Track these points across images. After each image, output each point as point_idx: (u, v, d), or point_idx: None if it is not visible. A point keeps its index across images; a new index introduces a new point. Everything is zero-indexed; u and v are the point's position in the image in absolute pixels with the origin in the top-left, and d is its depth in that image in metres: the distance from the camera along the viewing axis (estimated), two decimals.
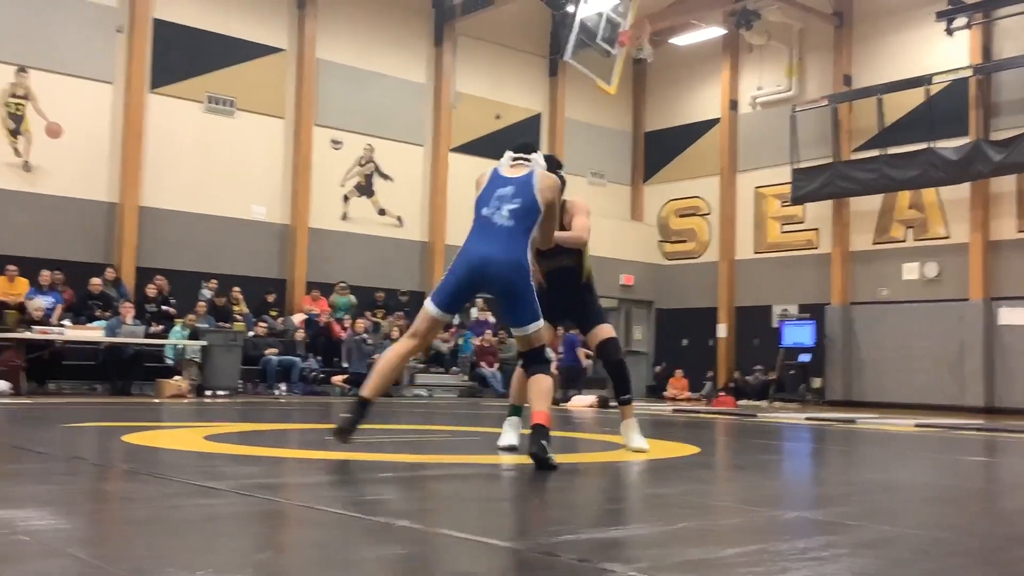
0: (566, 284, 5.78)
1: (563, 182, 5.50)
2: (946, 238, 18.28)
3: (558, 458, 4.74)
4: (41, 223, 15.13)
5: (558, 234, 5.50)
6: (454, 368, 17.61)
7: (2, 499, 3.61)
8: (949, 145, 17.46)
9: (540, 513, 3.70)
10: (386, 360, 5.08)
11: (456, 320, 18.48)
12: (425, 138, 19.60)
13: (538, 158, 5.21)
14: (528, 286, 4.93)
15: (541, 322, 4.99)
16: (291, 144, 17.83)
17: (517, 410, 5.85)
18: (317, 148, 18.04)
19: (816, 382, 19.45)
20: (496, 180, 5.12)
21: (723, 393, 18.92)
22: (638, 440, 5.86)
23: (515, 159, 5.22)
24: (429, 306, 5.05)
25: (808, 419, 12.59)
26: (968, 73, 17.56)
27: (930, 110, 17.68)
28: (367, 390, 4.96)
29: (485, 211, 5.02)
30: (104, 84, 15.89)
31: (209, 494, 3.72)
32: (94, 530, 3.06)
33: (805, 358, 19.35)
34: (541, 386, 4.92)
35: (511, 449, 5.64)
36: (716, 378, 20.63)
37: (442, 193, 19.39)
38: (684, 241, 22.49)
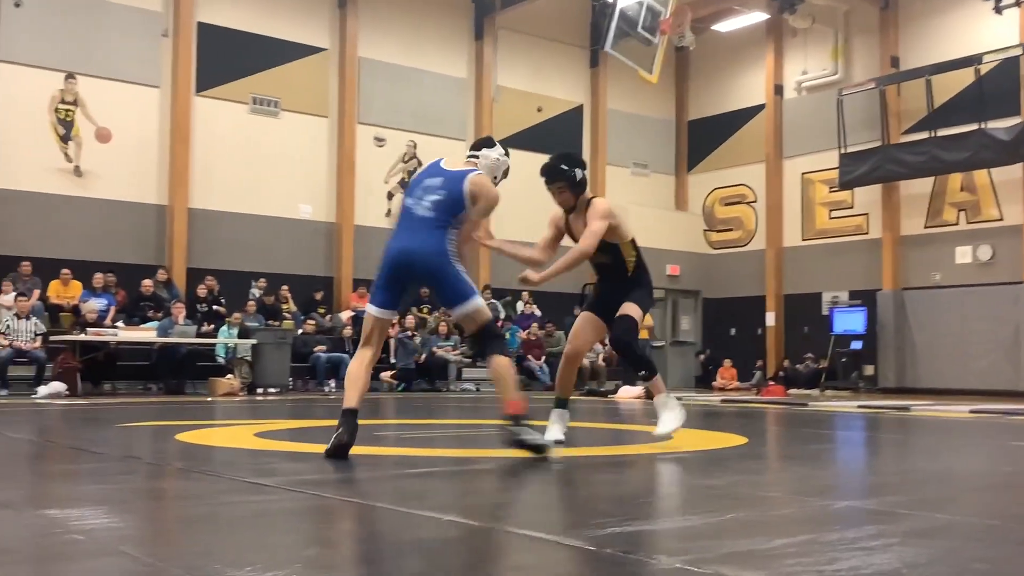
0: (610, 279, 5.71)
1: (580, 181, 5.46)
2: (999, 220, 17.91)
3: (605, 450, 4.73)
4: (93, 227, 15.41)
5: (561, 262, 5.45)
6: None
7: (58, 499, 3.69)
8: (1000, 125, 17.10)
9: (587, 506, 3.70)
10: (352, 373, 5.04)
11: (502, 314, 18.53)
12: (467, 133, 19.62)
13: (490, 154, 5.23)
14: (452, 267, 4.91)
15: (478, 298, 4.98)
16: (335, 143, 17.97)
17: (563, 402, 5.84)
18: (361, 146, 18.16)
19: (868, 369, 19.17)
20: (429, 169, 5.16)
21: (773, 382, 18.72)
22: (663, 424, 5.53)
23: (468, 156, 5.29)
24: (369, 308, 5.09)
25: (860, 407, 12.42)
26: (1018, 51, 17.15)
27: (980, 90, 17.32)
28: (349, 401, 4.89)
29: (408, 201, 5.04)
30: (151, 88, 16.13)
31: (260, 491, 3.77)
32: (147, 528, 3.11)
33: (857, 345, 19.09)
34: (502, 372, 4.86)
35: (558, 444, 5.63)
36: (765, 367, 20.43)
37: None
38: (730, 230, 22.29)
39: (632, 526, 3.10)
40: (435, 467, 4.77)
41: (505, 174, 5.37)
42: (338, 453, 4.73)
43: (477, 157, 5.25)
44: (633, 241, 5.69)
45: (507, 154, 5.35)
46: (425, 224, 4.94)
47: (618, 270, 5.65)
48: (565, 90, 21.13)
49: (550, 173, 5.57)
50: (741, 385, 19.76)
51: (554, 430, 5.72)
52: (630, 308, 5.56)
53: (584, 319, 5.82)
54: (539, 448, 4.75)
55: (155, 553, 2.63)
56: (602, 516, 3.41)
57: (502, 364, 4.89)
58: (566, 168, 5.52)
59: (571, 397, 5.94)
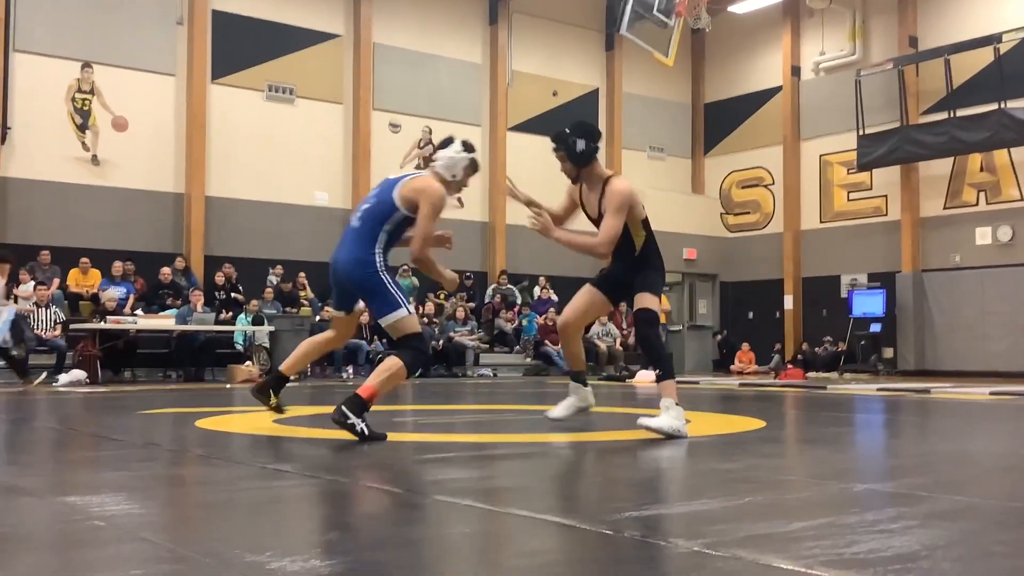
0: (619, 257, 5.59)
1: (580, 152, 5.38)
2: (1019, 200, 17.75)
3: (623, 435, 4.72)
4: (111, 215, 15.50)
5: (575, 238, 5.47)
6: (518, 348, 17.66)
7: (79, 486, 3.72)
8: (1020, 105, 16.92)
9: (604, 490, 3.70)
10: (309, 343, 5.57)
11: (519, 300, 18.53)
12: (482, 118, 19.59)
13: (445, 153, 5.24)
14: (377, 280, 4.98)
15: (403, 311, 5.00)
16: (350, 129, 17.98)
17: (576, 375, 5.92)
18: (376, 132, 18.16)
19: (887, 352, 19.08)
20: (381, 183, 5.31)
21: (791, 366, 18.66)
22: (659, 420, 5.16)
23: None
24: (331, 304, 5.47)
25: (879, 390, 12.37)
26: None
27: (1000, 69, 17.14)
28: (286, 367, 5.54)
29: (352, 216, 5.25)
30: (167, 76, 16.17)
31: (279, 477, 3.79)
32: (167, 514, 3.14)
33: (876, 328, 18.99)
34: (384, 365, 4.95)
35: (554, 420, 5.81)
36: (784, 351, 20.36)
37: (501, 173, 19.38)
38: (747, 213, 22.19)
39: (649, 510, 3.10)
40: (453, 452, 4.78)
41: (473, 169, 5.33)
42: (254, 392, 5.66)
43: (435, 160, 5.29)
44: (645, 220, 5.59)
45: (469, 149, 5.29)
46: (351, 235, 5.10)
47: (626, 248, 5.54)
48: (580, 74, 21.05)
49: (554, 137, 5.55)
50: (759, 369, 19.71)
51: (559, 408, 5.87)
52: (646, 299, 5.43)
53: (584, 292, 5.80)
54: (363, 435, 4.81)
55: (175, 539, 2.65)
56: (619, 500, 3.41)
57: (392, 361, 4.95)
58: (568, 134, 5.46)
59: (585, 370, 5.97)
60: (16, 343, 11.78)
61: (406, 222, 5.10)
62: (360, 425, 4.82)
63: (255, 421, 6.30)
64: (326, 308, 15.12)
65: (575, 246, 5.50)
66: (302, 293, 16.26)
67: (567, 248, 5.49)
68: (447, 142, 5.33)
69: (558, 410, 5.91)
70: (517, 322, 17.87)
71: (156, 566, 2.27)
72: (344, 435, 4.89)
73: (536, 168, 19.96)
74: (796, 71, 21.04)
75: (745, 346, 20.26)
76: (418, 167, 18.68)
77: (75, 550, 2.47)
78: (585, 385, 5.94)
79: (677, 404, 5.23)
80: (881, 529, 2.68)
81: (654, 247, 5.64)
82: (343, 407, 4.83)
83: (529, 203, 5.48)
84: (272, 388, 5.62)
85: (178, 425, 6.48)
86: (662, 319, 6.12)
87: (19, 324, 12.01)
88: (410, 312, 5.03)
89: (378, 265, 5.02)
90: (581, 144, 5.40)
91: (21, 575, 2.21)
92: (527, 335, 17.81)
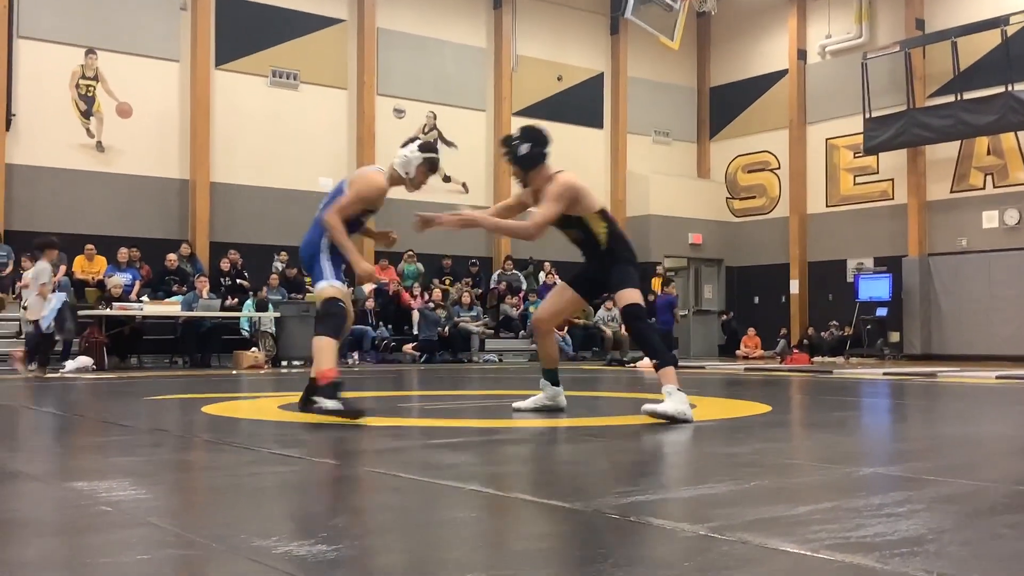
0: (588, 254, 5.62)
1: (522, 156, 5.44)
2: None
3: (627, 420, 4.72)
4: (116, 202, 15.51)
5: (503, 222, 5.70)
6: (523, 333, 17.67)
7: (86, 471, 3.73)
8: None
9: (609, 475, 3.70)
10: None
11: (524, 285, 18.53)
12: (487, 103, 19.54)
13: (402, 151, 5.59)
14: (317, 256, 5.44)
15: (324, 283, 5.36)
16: (355, 115, 17.94)
17: (547, 372, 5.89)
18: (380, 117, 18.12)
19: (894, 336, 19.06)
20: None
21: (797, 350, 18.64)
22: (662, 405, 5.12)
23: None
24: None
25: (886, 374, 12.36)
26: None
27: (1007, 52, 17.04)
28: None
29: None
30: (171, 62, 16.15)
31: (285, 462, 3.80)
32: (174, 499, 3.14)
33: (882, 312, 18.96)
34: (316, 346, 5.26)
35: (516, 411, 5.85)
36: (789, 335, 20.34)
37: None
38: (753, 197, 22.13)
39: (655, 494, 3.10)
40: (458, 438, 4.79)
41: (430, 169, 5.57)
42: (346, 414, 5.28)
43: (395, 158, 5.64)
44: (603, 212, 5.54)
45: (426, 150, 5.55)
46: (313, 222, 5.53)
47: (591, 244, 5.54)
48: (585, 58, 20.97)
49: (502, 140, 5.69)
50: (765, 354, 19.70)
51: (527, 402, 5.88)
52: (627, 295, 5.40)
53: (558, 290, 5.90)
54: (339, 413, 5.06)
55: (182, 524, 2.65)
56: (625, 484, 3.41)
57: (318, 342, 5.23)
58: (512, 138, 5.54)
59: (558, 367, 5.96)
60: (57, 331, 11.75)
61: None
62: (329, 404, 5.09)
63: (261, 407, 6.32)
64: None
65: (503, 229, 5.78)
66: (307, 279, 16.26)
67: (496, 232, 5.65)
68: (408, 141, 5.65)
69: (525, 403, 5.90)
70: (523, 308, 17.88)
71: (163, 551, 2.27)
72: (349, 420, 4.89)
73: None
74: (802, 54, 20.94)
75: (751, 331, 20.24)
76: None
77: (82, 535, 2.48)
78: (556, 384, 5.87)
79: (679, 389, 5.21)
80: (888, 512, 2.67)
81: (619, 236, 5.59)
82: (311, 399, 5.18)
83: (460, 222, 5.59)
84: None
85: (185, 411, 6.50)
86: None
87: (63, 312, 11.92)
88: (332, 284, 5.36)
89: (322, 245, 5.42)
90: (524, 148, 5.44)
91: (29, 560, 2.22)
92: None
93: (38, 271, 11.07)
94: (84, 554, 2.27)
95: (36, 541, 2.41)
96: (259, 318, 14.46)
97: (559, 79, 20.44)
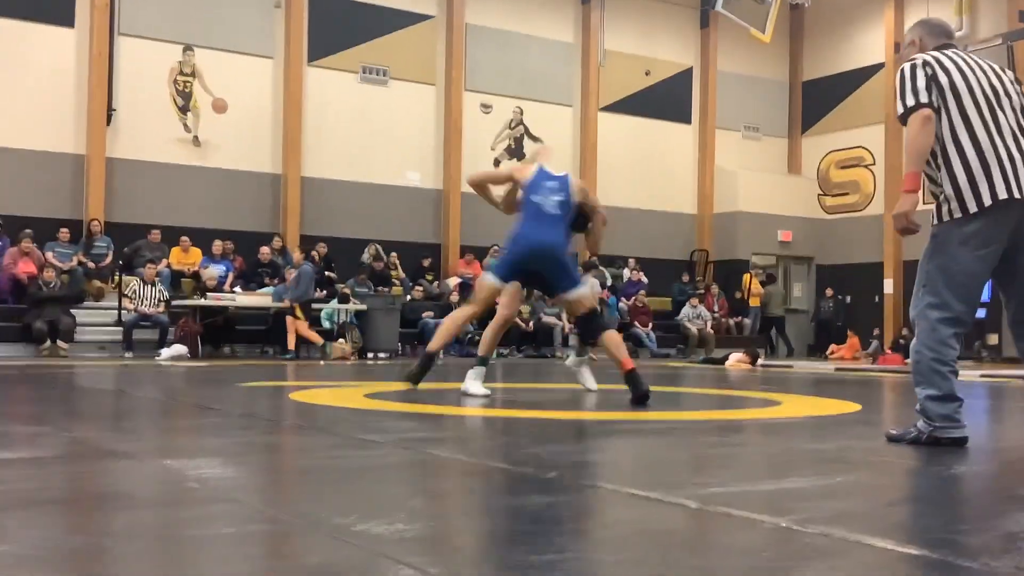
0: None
1: None
2: None
3: (712, 414, 4.64)
4: (211, 195, 15.92)
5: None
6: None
7: (178, 451, 3.85)
8: None
9: (691, 467, 3.66)
10: (454, 320, 6.69)
11: (609, 281, 18.43)
12: (574, 99, 19.49)
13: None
14: (563, 260, 6.29)
15: (584, 288, 6.35)
16: (442, 110, 18.08)
17: (485, 360, 6.39)
18: (467, 113, 18.23)
19: (992, 339, 18.42)
20: (543, 174, 6.28)
21: (890, 351, 18.14)
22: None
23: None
24: (491, 277, 6.37)
25: (983, 376, 11.96)
26: None
27: None
28: (433, 345, 6.49)
29: (536, 198, 6.16)
30: (265, 59, 16.51)
31: (369, 446, 3.86)
32: (259, 478, 3.22)
33: (981, 313, 18.26)
34: (611, 341, 6.21)
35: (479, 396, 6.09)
36: (883, 336, 19.80)
37: (592, 153, 19.27)
38: (846, 194, 21.61)
39: (737, 486, 3.05)
40: (539, 428, 4.79)
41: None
42: (408, 379, 6.45)
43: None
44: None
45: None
46: (559, 222, 6.16)
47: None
48: (674, 52, 20.75)
49: None
50: (857, 354, 19.22)
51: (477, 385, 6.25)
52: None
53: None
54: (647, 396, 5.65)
55: (266, 501, 2.71)
56: (706, 476, 3.37)
57: (611, 336, 6.34)
58: None
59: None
60: None
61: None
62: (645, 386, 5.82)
63: (347, 395, 6.42)
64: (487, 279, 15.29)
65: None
66: (394, 273, 16.47)
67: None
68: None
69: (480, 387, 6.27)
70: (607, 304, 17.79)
71: (247, 525, 2.33)
72: (432, 408, 4.92)
73: (627, 148, 19.87)
74: (899, 47, 20.33)
75: (848, 332, 19.70)
76: (509, 148, 18.72)
77: (169, 508, 2.55)
78: (485, 366, 6.34)
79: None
80: (977, 514, 2.59)
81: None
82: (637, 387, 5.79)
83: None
84: (424, 372, 6.46)
85: (274, 397, 6.65)
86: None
87: None
88: (592, 291, 6.35)
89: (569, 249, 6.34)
90: None
91: (118, 530, 2.30)
92: (610, 317, 17.68)
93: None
94: (172, 526, 2.34)
95: (126, 513, 2.49)
96: (341, 310, 14.67)
97: (647, 74, 20.26)
